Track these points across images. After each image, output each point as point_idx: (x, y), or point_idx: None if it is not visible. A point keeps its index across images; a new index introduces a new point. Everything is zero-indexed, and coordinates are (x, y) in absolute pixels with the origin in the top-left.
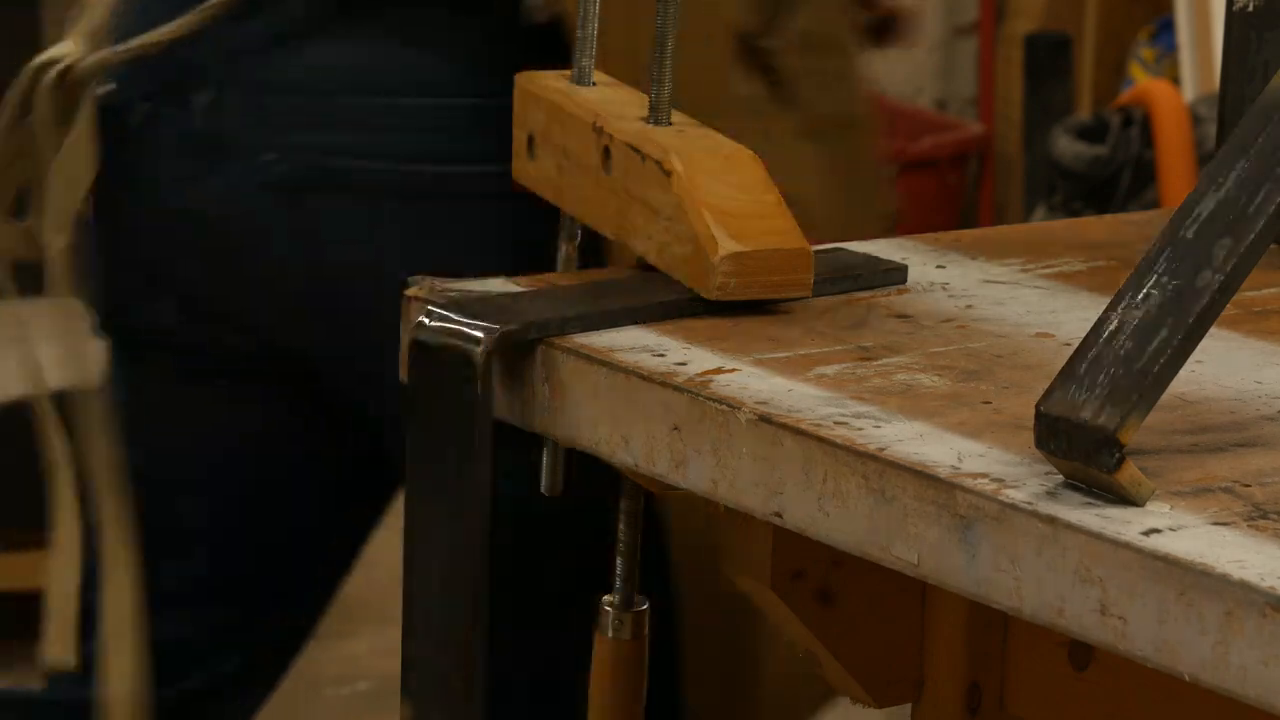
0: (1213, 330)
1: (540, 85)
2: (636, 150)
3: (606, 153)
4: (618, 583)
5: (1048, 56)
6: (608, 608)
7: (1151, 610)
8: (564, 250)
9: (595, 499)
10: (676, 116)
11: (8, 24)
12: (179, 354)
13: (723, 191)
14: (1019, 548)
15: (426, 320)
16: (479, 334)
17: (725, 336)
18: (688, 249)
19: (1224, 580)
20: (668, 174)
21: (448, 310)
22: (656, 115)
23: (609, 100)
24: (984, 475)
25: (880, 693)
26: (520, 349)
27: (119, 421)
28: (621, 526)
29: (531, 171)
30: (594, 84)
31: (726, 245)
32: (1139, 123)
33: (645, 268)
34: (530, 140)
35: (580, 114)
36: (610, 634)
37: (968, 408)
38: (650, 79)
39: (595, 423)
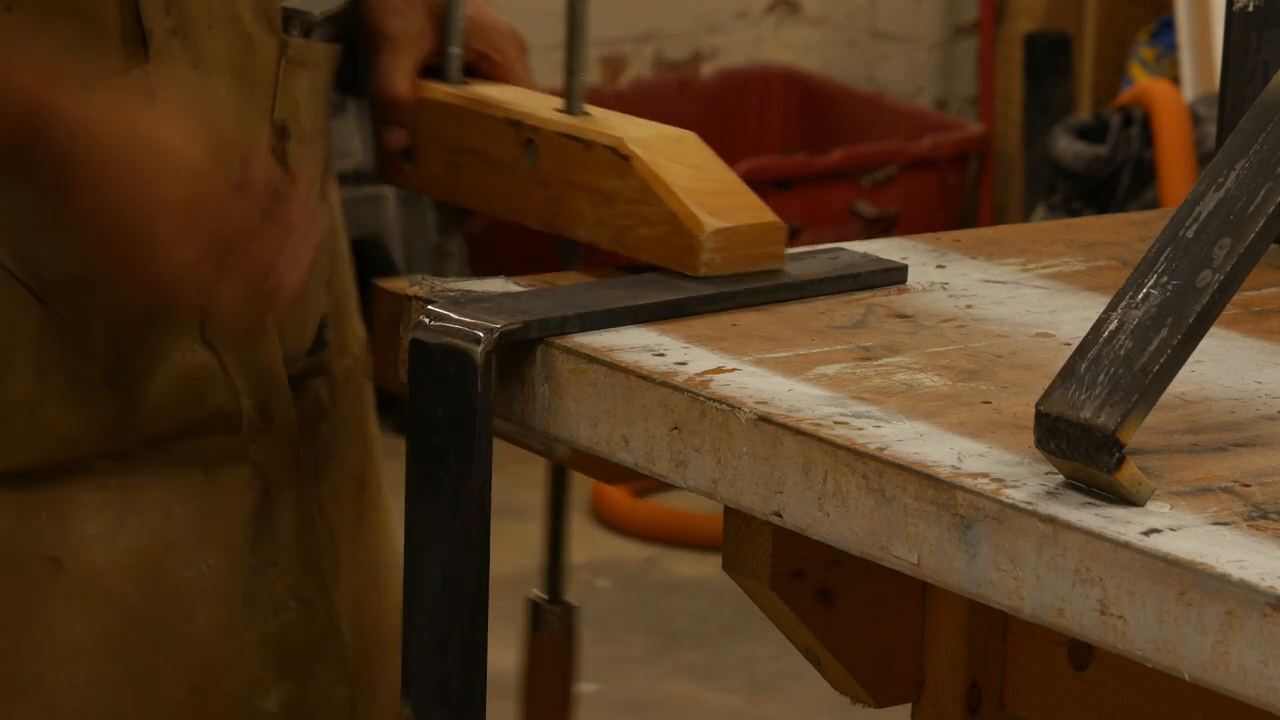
0: (1213, 330)
1: (418, 86)
2: (577, 139)
3: (530, 144)
4: (546, 578)
5: (1048, 56)
6: (538, 604)
7: (1151, 610)
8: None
9: None
10: (590, 107)
11: None
12: None
13: (685, 172)
14: (1019, 548)
15: (426, 320)
16: (479, 333)
17: (725, 336)
18: (661, 230)
19: (1224, 580)
20: (625, 158)
21: (447, 310)
22: (572, 105)
23: (508, 95)
24: (984, 475)
25: (880, 693)
26: (520, 349)
27: None
28: (550, 521)
29: (409, 173)
30: (465, 80)
31: (711, 223)
32: (1139, 123)
33: (640, 269)
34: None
35: (486, 110)
36: (541, 630)
37: (968, 408)
38: (565, 69)
39: (595, 422)
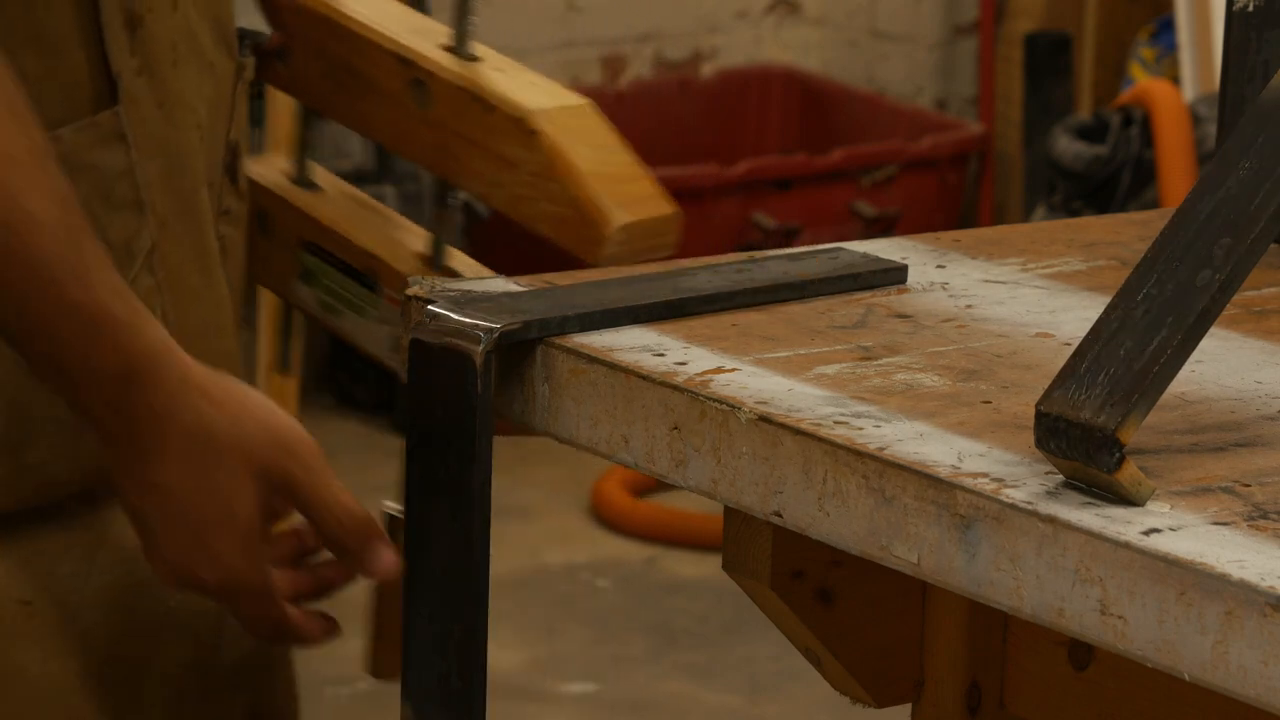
0: (1213, 330)
1: None
2: (479, 99)
3: (419, 85)
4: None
5: (1048, 56)
6: (394, 515)
7: (1151, 610)
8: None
9: None
10: (478, 47)
11: None
12: None
13: (589, 154)
14: (1019, 548)
15: (426, 319)
16: (479, 333)
17: (725, 336)
18: (564, 211)
19: (1224, 580)
20: (531, 133)
21: (447, 310)
22: (461, 46)
23: (391, 19)
24: (984, 475)
25: (880, 693)
26: (520, 349)
27: None
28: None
29: (280, 72)
30: None
31: (618, 216)
32: (1139, 123)
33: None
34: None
35: (371, 37)
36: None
37: (968, 408)
38: (456, 10)
39: (595, 422)
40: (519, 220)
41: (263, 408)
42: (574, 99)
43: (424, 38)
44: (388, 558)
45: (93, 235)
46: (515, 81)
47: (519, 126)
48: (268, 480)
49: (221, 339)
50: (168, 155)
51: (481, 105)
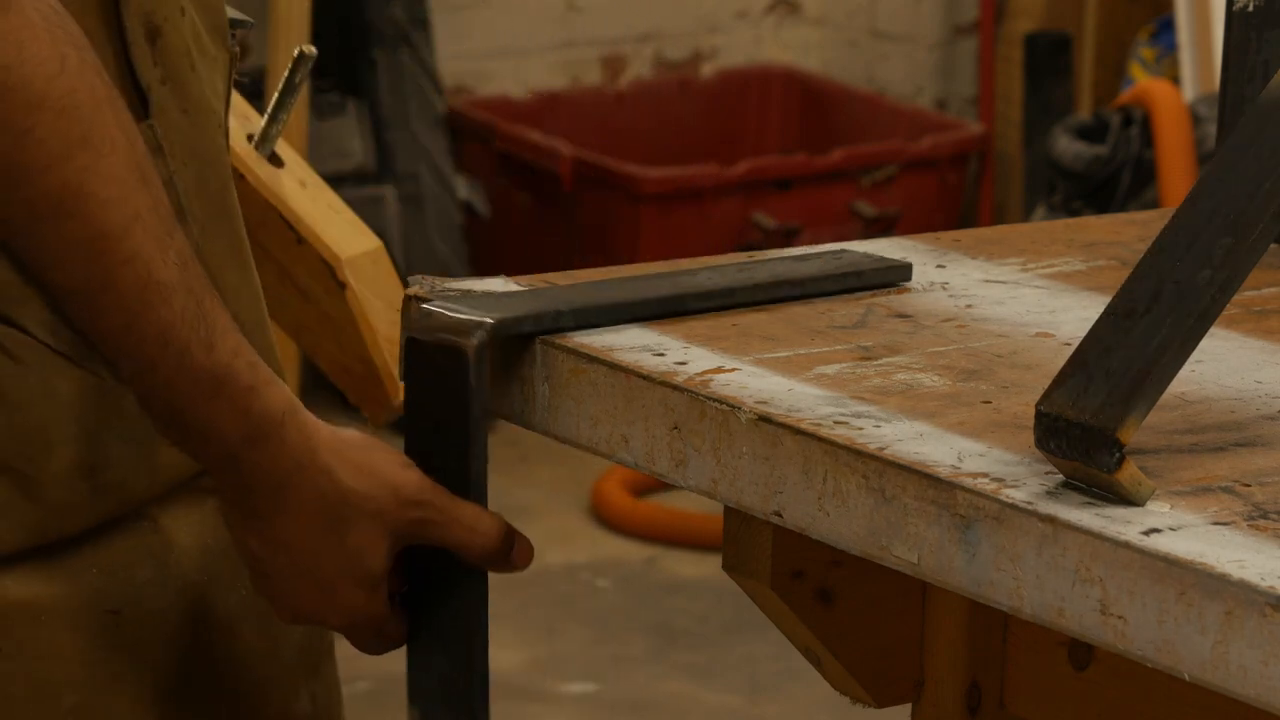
0: (1213, 330)
1: None
2: (291, 228)
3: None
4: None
5: (1048, 56)
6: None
7: (1151, 610)
8: None
9: None
10: (281, 146)
11: None
12: None
13: (385, 313)
14: (1019, 547)
15: (422, 317)
16: (471, 326)
17: (725, 336)
18: (354, 364)
19: (1224, 580)
20: (341, 285)
21: (442, 307)
22: (264, 144)
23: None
24: (984, 475)
25: (880, 693)
26: (519, 348)
27: None
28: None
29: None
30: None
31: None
32: (1139, 122)
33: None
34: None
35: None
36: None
37: (968, 407)
38: (268, 113)
39: (595, 422)
40: (298, 344)
41: (388, 463)
42: (371, 240)
43: (235, 121)
44: (524, 553)
45: (213, 292)
46: (319, 207)
47: (327, 271)
48: (402, 535)
49: (262, 333)
50: (198, 160)
51: (293, 235)
